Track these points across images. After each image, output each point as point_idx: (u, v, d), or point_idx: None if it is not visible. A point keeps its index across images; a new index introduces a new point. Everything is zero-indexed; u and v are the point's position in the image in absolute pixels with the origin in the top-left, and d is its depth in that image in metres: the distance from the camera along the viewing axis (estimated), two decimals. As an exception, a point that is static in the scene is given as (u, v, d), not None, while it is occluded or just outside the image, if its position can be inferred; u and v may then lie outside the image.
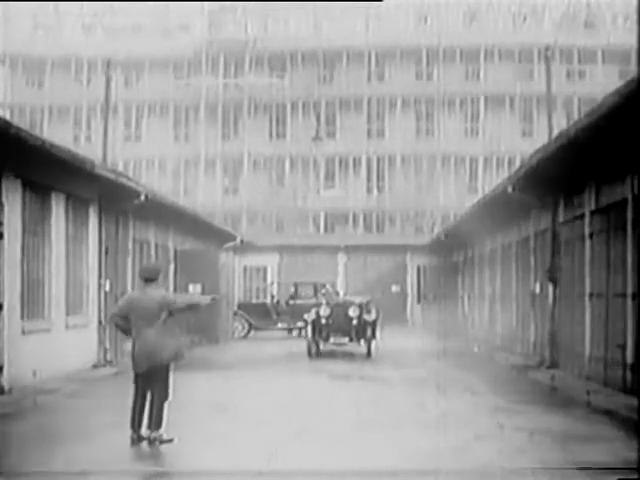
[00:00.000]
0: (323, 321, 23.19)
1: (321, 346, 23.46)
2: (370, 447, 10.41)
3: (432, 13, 52.69)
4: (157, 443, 10.13)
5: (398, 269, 42.48)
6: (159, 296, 10.25)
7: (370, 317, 23.22)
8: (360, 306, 23.63)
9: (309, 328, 23.30)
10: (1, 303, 14.67)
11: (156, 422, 10.18)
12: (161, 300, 10.20)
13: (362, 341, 23.21)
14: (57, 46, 51.92)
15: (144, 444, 10.21)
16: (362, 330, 23.09)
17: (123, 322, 10.36)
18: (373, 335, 23.22)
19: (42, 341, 16.52)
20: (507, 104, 51.36)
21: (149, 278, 10.37)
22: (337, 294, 28.96)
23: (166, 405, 10.27)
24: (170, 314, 10.23)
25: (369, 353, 22.98)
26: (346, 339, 23.32)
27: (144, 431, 10.25)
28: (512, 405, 14.00)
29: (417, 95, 52.04)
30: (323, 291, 29.00)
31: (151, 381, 10.23)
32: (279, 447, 10.40)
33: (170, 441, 10.19)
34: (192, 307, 10.68)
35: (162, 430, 10.20)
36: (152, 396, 10.21)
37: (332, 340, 23.35)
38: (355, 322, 23.09)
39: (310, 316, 23.49)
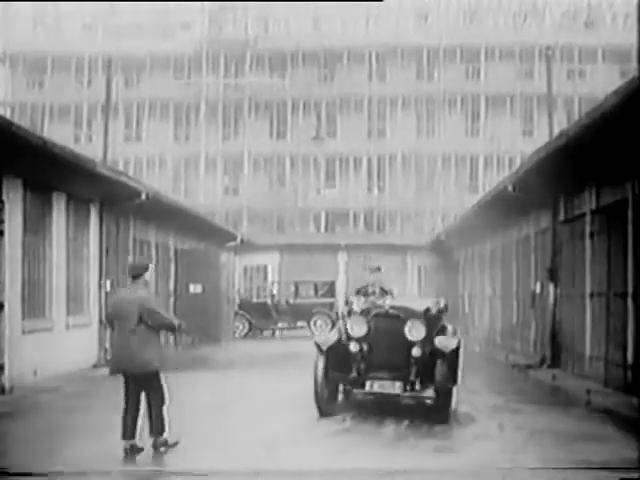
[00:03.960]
0: (353, 348, 12.36)
1: (339, 395, 13.25)
2: (370, 448, 10.40)
3: (433, 12, 52.70)
4: (162, 449, 9.90)
5: (399, 268, 42.47)
6: (139, 299, 9.79)
7: (448, 343, 12.43)
8: (430, 319, 12.78)
9: (321, 360, 12.55)
10: (2, 302, 14.67)
11: (158, 427, 9.90)
12: (139, 304, 9.75)
13: (429, 390, 12.41)
14: (57, 45, 51.92)
15: (147, 450, 9.89)
16: (430, 369, 12.15)
17: (113, 321, 10.04)
18: (453, 380, 12.36)
19: (43, 341, 16.53)
20: (508, 103, 51.37)
21: (134, 275, 10.03)
22: (386, 293, 14.53)
23: (165, 409, 9.99)
24: (141, 320, 9.72)
25: (444, 414, 12.13)
26: (398, 385, 12.23)
27: (138, 440, 9.87)
28: (512, 404, 14.02)
29: (418, 95, 52.05)
30: (370, 288, 14.67)
31: (144, 388, 9.90)
32: (279, 447, 10.41)
33: (175, 445, 9.99)
34: (165, 327, 10.03)
35: (166, 434, 9.95)
36: (149, 403, 9.91)
37: (369, 386, 12.34)
38: (418, 352, 12.19)
39: (325, 337, 13.15)
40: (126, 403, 9.94)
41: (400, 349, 12.31)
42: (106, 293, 20.30)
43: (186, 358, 23.06)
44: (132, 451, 9.77)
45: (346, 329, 12.65)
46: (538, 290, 21.04)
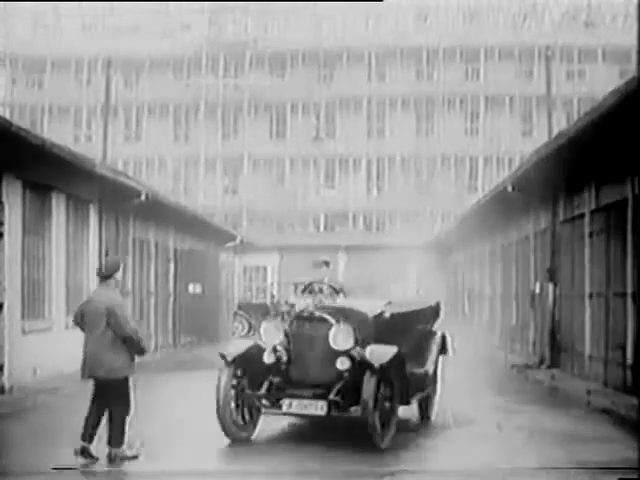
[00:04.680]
0: (267, 358, 10.34)
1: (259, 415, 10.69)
2: (367, 450, 10.39)
3: (432, 13, 52.72)
4: (119, 461, 9.27)
5: (398, 269, 42.45)
6: (108, 303, 9.25)
7: (383, 354, 10.02)
8: (372, 323, 10.66)
9: (225, 374, 10.38)
10: (2, 303, 14.67)
11: (116, 439, 9.29)
12: (108, 309, 9.21)
13: (360, 410, 9.83)
14: (57, 46, 51.95)
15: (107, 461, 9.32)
16: (356, 387, 9.82)
17: (82, 323, 9.52)
18: (399, 399, 10.47)
19: (42, 340, 16.52)
20: (507, 104, 51.39)
21: (102, 275, 9.44)
22: (337, 292, 12.09)
23: (127, 420, 9.42)
24: (109, 325, 9.21)
25: (378, 439, 9.88)
26: (321, 405, 9.97)
27: (93, 446, 9.33)
28: (512, 405, 14.00)
29: (417, 95, 52.07)
30: (316, 286, 12.54)
31: (108, 395, 9.36)
32: (277, 445, 10.40)
33: (134, 458, 9.38)
34: (124, 339, 9.26)
35: (124, 447, 9.38)
36: (110, 412, 9.38)
37: (287, 405, 10.11)
38: (345, 365, 9.99)
39: (232, 346, 10.96)
40: (90, 406, 9.48)
41: (327, 360, 10.08)
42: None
43: (184, 358, 23.07)
44: (82, 454, 9.24)
45: (260, 336, 10.53)
46: (537, 290, 21.04)
